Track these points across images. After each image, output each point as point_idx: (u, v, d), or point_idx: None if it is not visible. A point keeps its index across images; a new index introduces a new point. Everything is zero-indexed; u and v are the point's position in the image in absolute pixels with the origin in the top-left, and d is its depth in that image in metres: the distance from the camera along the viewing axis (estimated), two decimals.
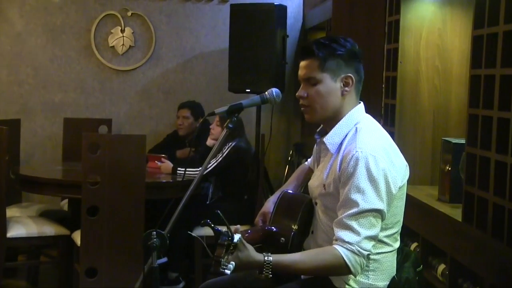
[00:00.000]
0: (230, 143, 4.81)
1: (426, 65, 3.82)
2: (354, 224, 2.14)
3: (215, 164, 4.76)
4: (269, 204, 2.55)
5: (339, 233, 2.15)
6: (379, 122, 2.41)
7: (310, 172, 2.62)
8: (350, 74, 2.30)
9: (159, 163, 4.97)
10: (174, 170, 4.88)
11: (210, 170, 4.74)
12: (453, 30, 3.80)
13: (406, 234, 3.45)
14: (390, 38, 3.92)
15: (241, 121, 5.01)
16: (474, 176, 2.79)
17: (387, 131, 2.39)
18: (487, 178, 2.68)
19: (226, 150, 4.79)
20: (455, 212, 3.01)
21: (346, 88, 2.30)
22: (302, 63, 2.34)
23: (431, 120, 3.84)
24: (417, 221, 3.33)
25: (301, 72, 2.34)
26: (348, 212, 2.15)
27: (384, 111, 3.96)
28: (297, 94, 2.34)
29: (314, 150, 2.52)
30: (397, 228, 2.32)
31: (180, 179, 4.68)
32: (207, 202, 4.92)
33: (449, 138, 3.44)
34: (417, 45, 3.80)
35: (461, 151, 3.07)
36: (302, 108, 2.36)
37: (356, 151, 2.18)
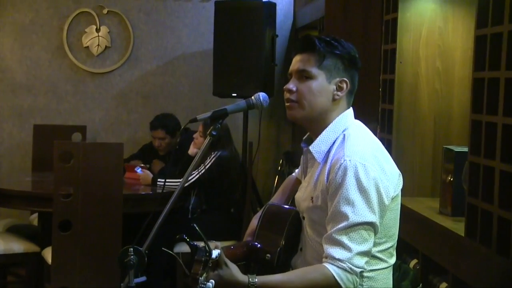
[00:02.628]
0: (214, 153, 4.82)
1: (426, 67, 3.84)
2: (344, 239, 2.14)
3: (198, 175, 4.76)
4: (256, 221, 2.56)
5: (328, 249, 2.15)
6: (376, 129, 2.42)
7: (297, 183, 2.63)
8: (345, 79, 2.31)
9: (138, 171, 4.97)
10: (154, 181, 4.89)
11: (192, 182, 4.74)
12: (455, 29, 3.83)
13: (405, 250, 3.46)
14: (387, 38, 3.95)
15: (228, 129, 5.01)
16: (478, 187, 2.80)
17: (384, 138, 2.41)
18: (491, 189, 2.69)
19: (209, 162, 4.79)
20: (458, 226, 3.03)
21: (339, 93, 2.30)
22: (298, 57, 2.32)
23: (432, 127, 3.86)
24: (416, 236, 3.34)
25: (294, 65, 2.33)
26: (337, 227, 2.15)
27: (381, 116, 3.97)
28: (285, 86, 2.34)
29: (302, 160, 2.53)
30: (392, 242, 2.33)
31: (160, 191, 4.68)
32: (189, 216, 4.92)
33: (451, 146, 3.45)
34: (417, 45, 3.82)
35: (464, 160, 3.09)
36: (287, 104, 2.34)
37: (344, 160, 2.18)
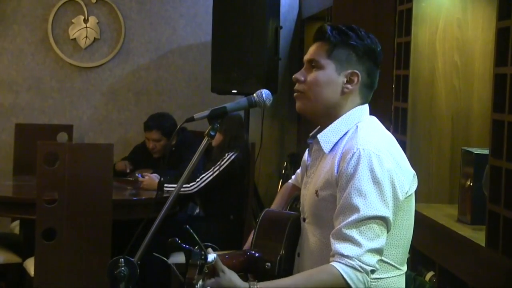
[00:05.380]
0: (231, 154, 4.76)
1: (444, 62, 3.84)
2: (354, 234, 2.13)
3: (211, 178, 4.71)
4: None
5: (336, 246, 2.15)
6: (388, 129, 2.42)
7: (294, 190, 2.65)
8: (357, 72, 2.32)
9: (140, 177, 4.91)
10: (160, 186, 4.77)
11: (202, 186, 4.68)
12: (474, 20, 3.84)
13: (420, 261, 3.46)
14: (401, 30, 3.95)
15: (241, 121, 4.96)
16: (500, 193, 2.80)
17: (397, 139, 2.40)
18: None
19: (225, 162, 4.75)
20: (478, 235, 3.03)
21: (348, 86, 2.32)
22: (312, 46, 2.37)
23: (449, 127, 3.87)
24: (433, 246, 3.34)
25: (307, 55, 2.38)
26: (347, 220, 2.14)
27: (394, 116, 3.98)
28: (294, 75, 2.37)
29: (303, 161, 2.54)
30: (405, 247, 2.33)
31: (167, 195, 4.59)
32: (186, 224, 4.89)
33: (470, 148, 3.46)
34: (433, 38, 3.83)
35: (484, 163, 3.09)
36: (295, 94, 2.38)
37: (357, 149, 2.19)
